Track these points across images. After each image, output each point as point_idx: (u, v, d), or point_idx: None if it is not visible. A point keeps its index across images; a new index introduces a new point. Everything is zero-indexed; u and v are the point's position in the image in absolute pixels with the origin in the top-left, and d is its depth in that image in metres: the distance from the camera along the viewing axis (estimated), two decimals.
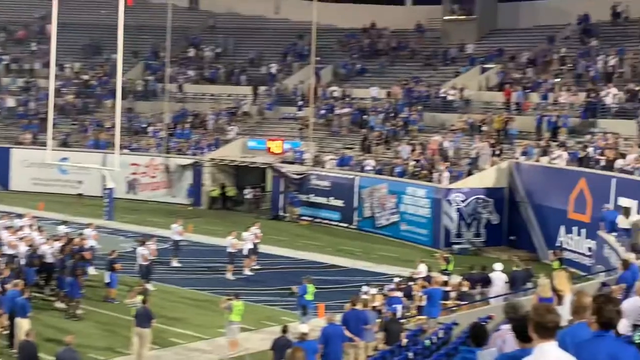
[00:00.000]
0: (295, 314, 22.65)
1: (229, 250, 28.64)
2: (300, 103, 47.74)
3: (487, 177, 34.88)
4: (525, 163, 34.25)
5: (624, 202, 25.85)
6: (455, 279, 24.53)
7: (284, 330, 17.52)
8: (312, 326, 19.22)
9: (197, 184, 45.12)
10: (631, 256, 16.68)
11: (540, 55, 44.53)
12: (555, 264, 25.27)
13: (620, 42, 42.22)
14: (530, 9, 50.21)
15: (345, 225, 38.98)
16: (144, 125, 50.27)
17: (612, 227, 22.97)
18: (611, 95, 35.35)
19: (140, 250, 26.43)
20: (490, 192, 34.70)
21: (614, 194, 27.72)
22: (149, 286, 25.07)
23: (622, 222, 22.09)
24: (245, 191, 44.46)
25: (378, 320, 18.68)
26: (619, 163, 29.19)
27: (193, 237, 33.84)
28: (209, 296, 25.41)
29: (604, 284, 16.89)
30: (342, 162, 40.45)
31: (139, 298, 20.14)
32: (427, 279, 22.80)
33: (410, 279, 24.07)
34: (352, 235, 37.61)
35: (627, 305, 12.23)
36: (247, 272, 29.04)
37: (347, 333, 16.89)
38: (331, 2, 52.01)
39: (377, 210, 37.67)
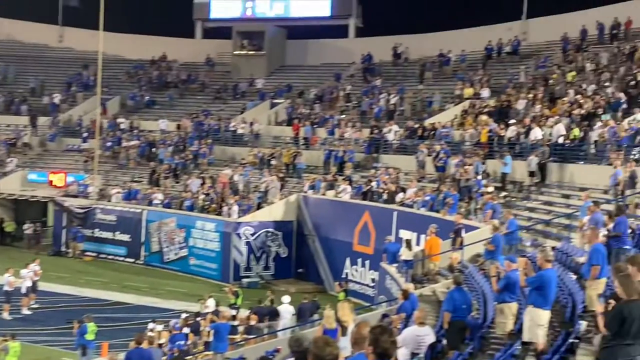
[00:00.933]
0: (76, 354, 21.66)
1: (6, 288, 27.40)
2: (85, 135, 46.20)
3: (276, 210, 35.25)
4: (313, 197, 34.92)
5: (404, 234, 26.86)
6: (244, 312, 24.46)
7: None
8: None
9: None
10: (410, 286, 17.23)
11: (327, 92, 45.92)
12: (341, 295, 25.76)
13: (400, 81, 44.51)
14: (317, 47, 51.90)
15: (132, 260, 37.95)
16: None
17: (394, 259, 23.75)
18: (393, 132, 36.88)
19: None
20: (279, 225, 35.06)
21: (396, 226, 28.84)
22: None
23: (405, 254, 22.86)
24: (25, 226, 42.18)
25: (164, 358, 18.19)
26: (399, 197, 30.38)
27: None
28: None
29: (385, 315, 17.37)
30: (129, 196, 39.43)
31: None
32: (216, 313, 22.56)
33: (198, 314, 23.73)
34: (139, 270, 36.66)
35: (406, 334, 12.59)
36: (25, 311, 27.80)
37: None
38: (119, 32, 50.92)
39: (165, 244, 36.97)
